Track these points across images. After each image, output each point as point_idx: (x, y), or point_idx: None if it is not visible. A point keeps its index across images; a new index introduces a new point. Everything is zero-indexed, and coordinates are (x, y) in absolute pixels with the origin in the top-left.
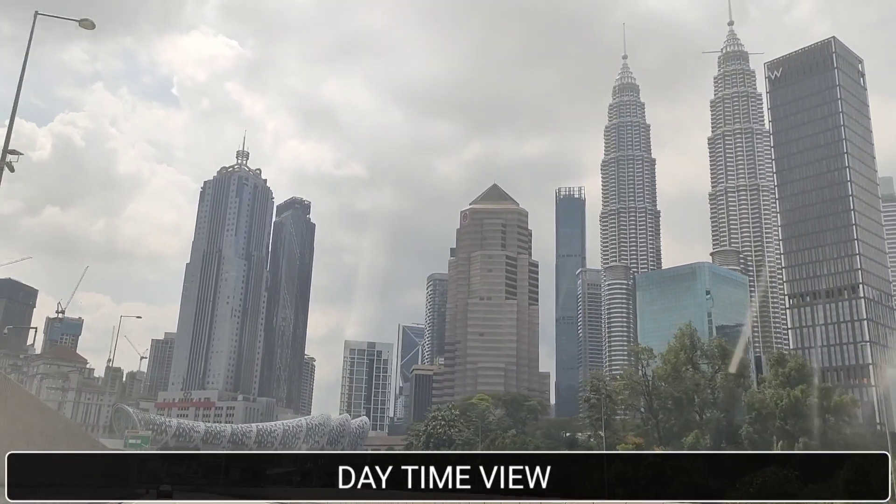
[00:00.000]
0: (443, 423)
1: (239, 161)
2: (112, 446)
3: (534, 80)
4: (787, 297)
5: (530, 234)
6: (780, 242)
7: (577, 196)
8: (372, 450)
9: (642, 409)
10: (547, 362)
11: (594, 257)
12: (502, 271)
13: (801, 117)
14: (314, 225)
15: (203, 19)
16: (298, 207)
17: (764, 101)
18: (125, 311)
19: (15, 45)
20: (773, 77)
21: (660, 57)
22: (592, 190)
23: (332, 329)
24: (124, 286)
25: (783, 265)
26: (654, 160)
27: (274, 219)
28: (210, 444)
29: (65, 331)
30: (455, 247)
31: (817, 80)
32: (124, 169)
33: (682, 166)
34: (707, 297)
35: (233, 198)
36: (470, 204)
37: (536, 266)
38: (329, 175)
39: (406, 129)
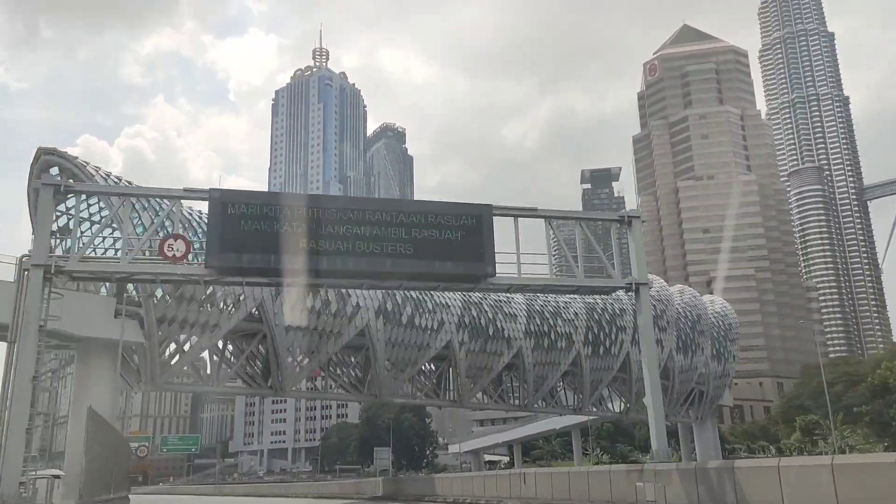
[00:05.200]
0: None
1: (317, 62)
2: None
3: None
4: None
5: (753, 85)
6: None
7: None
8: None
9: None
10: None
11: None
12: (727, 136)
13: None
14: (412, 158)
15: (250, 16)
16: (392, 136)
17: None
18: None
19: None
20: None
21: None
22: None
23: None
24: None
25: None
26: (832, 34)
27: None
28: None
29: None
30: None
31: None
32: (195, 179)
33: (876, 37)
34: None
35: (314, 104)
36: (654, 53)
37: (770, 128)
38: None
39: (468, 95)
